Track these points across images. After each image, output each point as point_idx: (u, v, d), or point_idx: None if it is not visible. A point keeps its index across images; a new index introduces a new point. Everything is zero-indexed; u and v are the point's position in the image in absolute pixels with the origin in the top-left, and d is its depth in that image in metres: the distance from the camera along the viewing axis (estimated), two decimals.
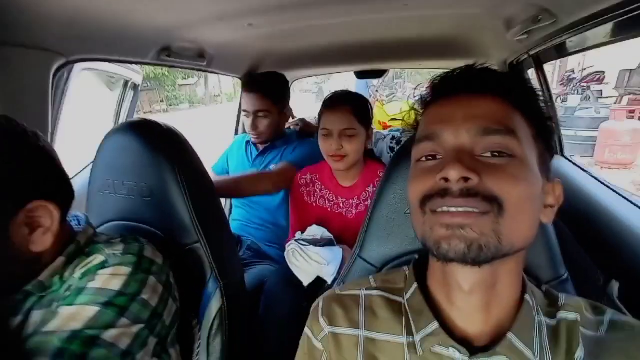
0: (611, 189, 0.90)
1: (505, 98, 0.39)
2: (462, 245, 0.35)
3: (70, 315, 0.46)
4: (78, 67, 0.93)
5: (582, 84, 6.52)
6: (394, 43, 1.29)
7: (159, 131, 0.73)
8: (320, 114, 1.06)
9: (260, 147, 1.38)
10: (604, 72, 6.55)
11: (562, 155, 1.26)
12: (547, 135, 0.41)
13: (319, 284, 1.00)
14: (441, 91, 0.43)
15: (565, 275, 0.56)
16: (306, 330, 0.50)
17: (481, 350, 0.39)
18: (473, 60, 0.45)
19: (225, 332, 0.67)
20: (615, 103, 6.08)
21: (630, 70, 6.38)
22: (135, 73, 1.54)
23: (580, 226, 0.84)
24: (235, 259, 0.79)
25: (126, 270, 0.52)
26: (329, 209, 1.11)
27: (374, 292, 0.49)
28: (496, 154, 0.37)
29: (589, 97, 6.09)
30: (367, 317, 0.46)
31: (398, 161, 0.63)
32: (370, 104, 1.13)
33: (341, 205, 1.10)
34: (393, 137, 1.52)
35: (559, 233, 0.57)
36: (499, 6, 0.78)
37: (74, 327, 0.45)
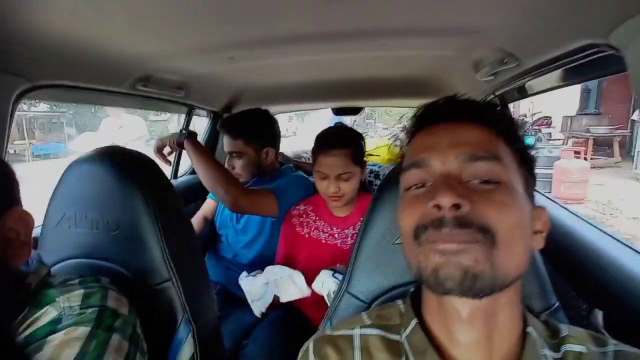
0: (583, 219, 0.94)
1: (489, 126, 0.41)
2: (458, 274, 0.34)
3: None
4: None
5: (533, 127, 7.22)
6: (370, 81, 1.36)
7: (130, 159, 0.68)
8: (315, 154, 1.04)
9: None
10: (550, 117, 7.37)
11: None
12: (529, 162, 0.42)
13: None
14: (427, 120, 0.44)
15: (557, 304, 0.56)
16: None
17: None
18: None
19: None
20: (563, 144, 6.77)
21: (571, 117, 7.29)
22: None
23: (556, 256, 0.87)
24: (210, 300, 0.72)
25: (84, 331, 0.42)
26: (324, 241, 1.08)
27: (369, 331, 0.45)
28: (485, 180, 0.37)
29: (541, 139, 6.74)
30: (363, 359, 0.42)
31: (383, 192, 0.62)
32: (364, 138, 1.13)
33: (336, 236, 1.08)
34: (371, 171, 1.55)
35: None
36: (470, 50, 0.86)
37: None
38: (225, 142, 1.25)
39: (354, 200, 1.09)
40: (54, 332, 0.42)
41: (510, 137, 0.41)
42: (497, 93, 1.07)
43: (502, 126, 0.41)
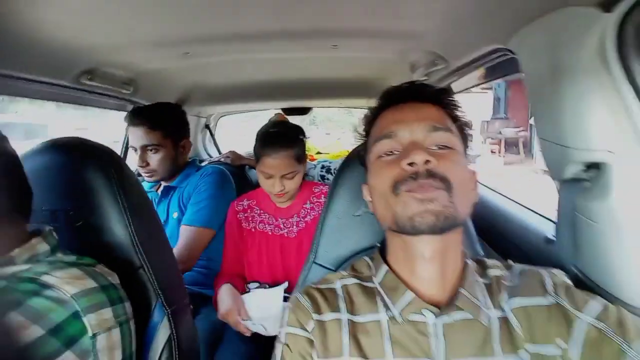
0: (497, 192, 1.15)
1: (441, 106, 0.52)
2: (433, 218, 0.43)
3: None
4: None
5: None
6: (320, 81, 1.45)
7: (91, 149, 0.67)
8: (259, 154, 1.03)
9: (159, 192, 1.28)
10: (471, 121, 8.48)
11: None
12: (467, 137, 0.55)
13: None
14: (393, 100, 0.54)
15: (483, 254, 0.70)
16: (289, 329, 0.49)
17: (445, 310, 0.46)
18: None
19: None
20: (482, 144, 7.81)
21: (487, 121, 8.44)
22: None
23: (477, 223, 1.05)
24: (181, 285, 0.73)
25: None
26: (270, 233, 1.11)
27: (349, 281, 0.53)
28: (441, 146, 0.48)
29: None
30: (347, 304, 0.50)
31: (343, 171, 0.71)
32: (304, 134, 1.15)
33: (281, 226, 1.11)
34: (323, 166, 1.64)
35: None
36: (407, 53, 0.99)
37: None
38: (138, 135, 1.16)
39: (297, 190, 1.11)
40: None
41: (456, 116, 0.53)
42: None
43: (450, 107, 0.53)
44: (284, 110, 1.97)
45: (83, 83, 0.99)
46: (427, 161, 0.45)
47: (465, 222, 0.69)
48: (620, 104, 0.46)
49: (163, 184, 1.28)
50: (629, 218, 0.48)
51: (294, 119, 2.03)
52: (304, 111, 2.02)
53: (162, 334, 0.61)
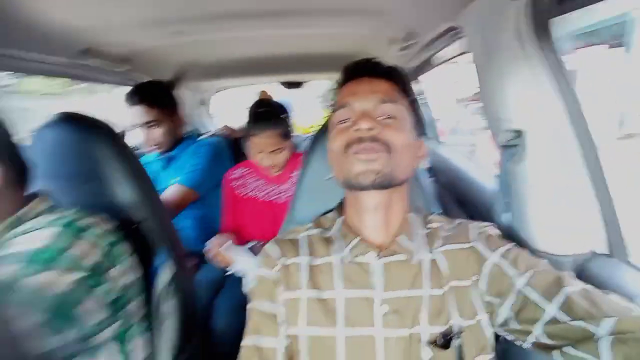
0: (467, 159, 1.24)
1: (392, 81, 0.60)
2: (373, 176, 0.53)
3: None
4: None
5: (469, 102, 8.20)
6: (309, 57, 1.50)
7: (92, 122, 0.77)
8: (248, 133, 1.14)
9: (162, 161, 1.40)
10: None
11: (437, 140, 1.69)
12: (416, 109, 0.62)
13: None
14: (352, 74, 0.61)
15: (440, 211, 0.79)
16: (259, 271, 0.61)
17: (385, 252, 0.57)
18: None
19: (178, 293, 0.74)
20: None
21: None
22: None
23: (453, 186, 1.15)
24: (177, 234, 0.86)
25: (53, 231, 0.53)
26: (261, 199, 1.24)
27: (312, 232, 0.64)
28: (388, 117, 0.56)
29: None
30: (308, 249, 0.61)
31: (318, 139, 0.80)
32: (289, 112, 1.24)
33: (271, 193, 1.24)
34: None
35: (440, 192, 0.81)
36: (382, 28, 1.05)
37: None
38: (138, 113, 1.27)
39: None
40: (28, 232, 0.53)
41: (406, 90, 0.61)
42: (409, 66, 1.30)
43: (400, 82, 0.61)
44: (285, 84, 2.07)
45: (84, 60, 1.07)
46: (371, 128, 0.53)
47: (421, 184, 0.79)
48: (534, 79, 0.54)
49: (165, 155, 1.39)
50: (536, 178, 0.57)
51: (291, 91, 2.14)
52: (298, 85, 2.09)
53: (165, 274, 0.74)
